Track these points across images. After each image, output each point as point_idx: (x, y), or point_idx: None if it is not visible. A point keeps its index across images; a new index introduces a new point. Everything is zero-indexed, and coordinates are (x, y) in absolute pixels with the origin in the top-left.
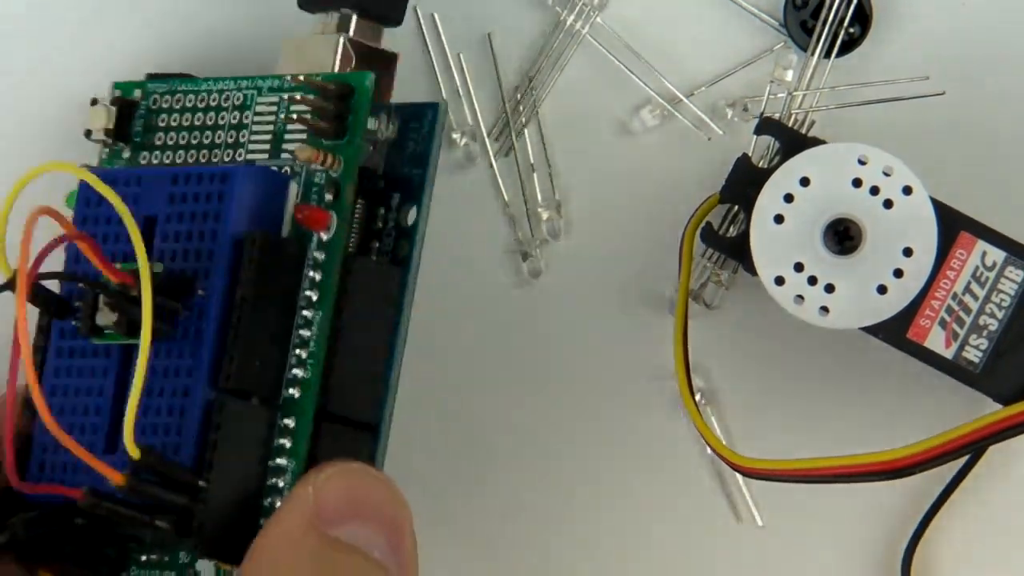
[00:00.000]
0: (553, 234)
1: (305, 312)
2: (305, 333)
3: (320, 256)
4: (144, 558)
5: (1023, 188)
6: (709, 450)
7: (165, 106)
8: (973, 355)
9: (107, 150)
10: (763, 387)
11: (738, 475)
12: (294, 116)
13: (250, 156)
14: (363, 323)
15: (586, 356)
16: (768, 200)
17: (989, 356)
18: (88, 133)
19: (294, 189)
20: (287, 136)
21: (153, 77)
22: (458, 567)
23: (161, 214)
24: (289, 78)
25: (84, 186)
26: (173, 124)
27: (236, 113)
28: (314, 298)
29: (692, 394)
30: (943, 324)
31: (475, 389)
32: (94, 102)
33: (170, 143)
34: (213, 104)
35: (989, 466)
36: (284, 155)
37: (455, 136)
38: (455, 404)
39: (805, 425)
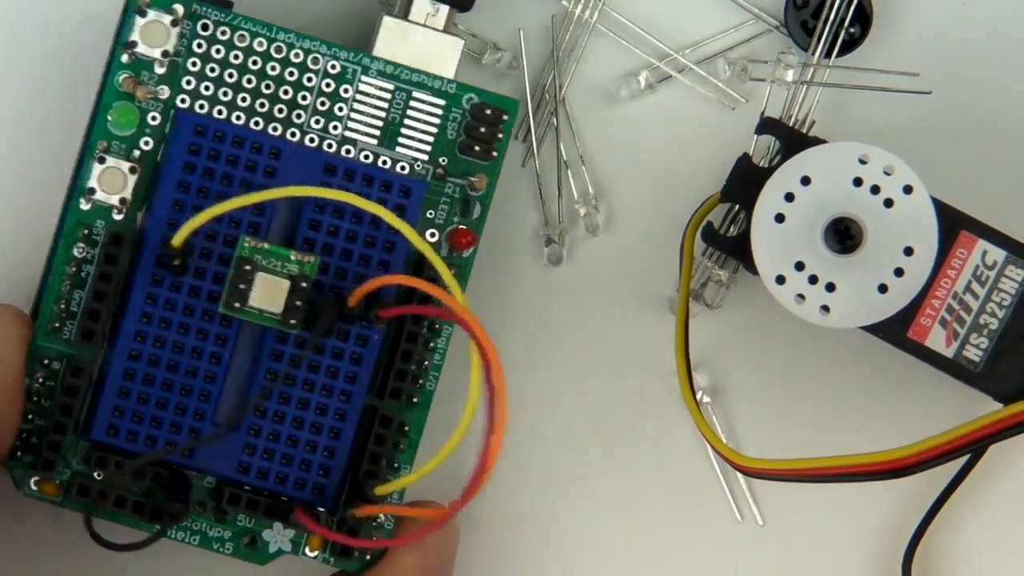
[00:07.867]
0: (591, 230)
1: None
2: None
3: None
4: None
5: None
6: (710, 449)
7: (223, 38)
8: (974, 354)
9: (153, 76)
10: (764, 386)
11: (739, 474)
12: (450, 124)
13: (348, 134)
14: None
15: (586, 355)
16: (769, 199)
17: (990, 355)
18: (131, 45)
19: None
20: (403, 131)
21: None
22: (457, 557)
23: (310, 200)
24: (420, 77)
25: (184, 126)
26: (234, 62)
27: (329, 82)
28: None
29: (693, 393)
30: (944, 323)
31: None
32: (143, 12)
33: (228, 82)
34: (295, 61)
35: (989, 466)
36: (399, 149)
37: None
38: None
39: (806, 424)
